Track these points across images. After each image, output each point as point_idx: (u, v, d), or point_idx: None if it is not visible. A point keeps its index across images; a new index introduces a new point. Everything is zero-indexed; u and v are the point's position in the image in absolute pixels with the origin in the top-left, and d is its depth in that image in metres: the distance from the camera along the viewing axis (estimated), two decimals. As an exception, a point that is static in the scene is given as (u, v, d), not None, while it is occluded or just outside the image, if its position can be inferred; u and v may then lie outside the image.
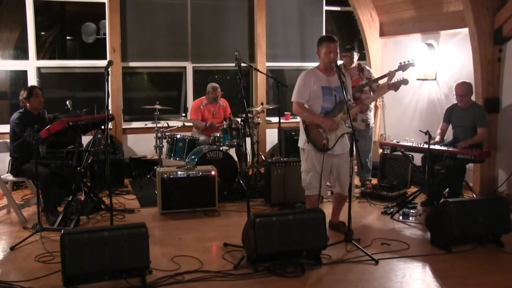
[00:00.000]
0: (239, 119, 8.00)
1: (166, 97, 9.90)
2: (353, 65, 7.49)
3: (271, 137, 9.72)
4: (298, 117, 6.10)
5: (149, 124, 8.83)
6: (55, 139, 6.19)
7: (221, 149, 7.43)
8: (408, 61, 6.73)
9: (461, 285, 4.65)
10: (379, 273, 4.82)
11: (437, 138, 6.93)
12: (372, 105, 7.72)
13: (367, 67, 7.76)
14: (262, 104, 8.58)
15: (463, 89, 6.79)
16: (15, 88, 8.51)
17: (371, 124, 7.68)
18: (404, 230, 6.08)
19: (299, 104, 5.56)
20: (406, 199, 6.85)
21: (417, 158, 7.32)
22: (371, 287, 4.55)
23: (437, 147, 6.60)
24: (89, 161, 7.01)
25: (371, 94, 7.30)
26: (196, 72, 9.57)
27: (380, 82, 7.31)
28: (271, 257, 4.83)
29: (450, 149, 6.52)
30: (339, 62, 6.54)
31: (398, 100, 9.03)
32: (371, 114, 7.65)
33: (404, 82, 6.09)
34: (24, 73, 8.59)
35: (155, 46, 9.24)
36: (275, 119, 8.70)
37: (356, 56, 7.50)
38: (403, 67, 6.78)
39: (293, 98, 5.60)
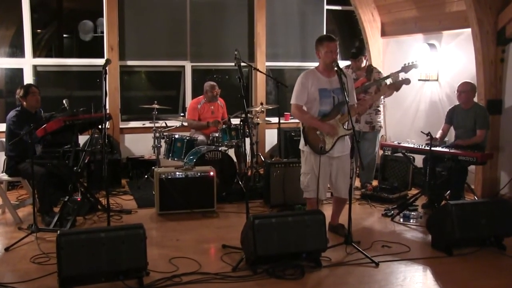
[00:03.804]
0: (238, 120, 7.95)
1: (164, 97, 9.86)
2: (362, 66, 7.40)
3: (271, 137, 9.68)
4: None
5: (147, 124, 8.78)
6: (51, 138, 6.14)
7: (220, 149, 7.38)
8: (412, 62, 6.67)
9: (462, 288, 4.62)
10: (380, 276, 4.79)
11: (437, 136, 6.88)
12: (381, 108, 7.59)
13: (378, 68, 7.65)
14: (261, 104, 8.54)
15: (463, 86, 6.78)
16: (11, 86, 8.46)
17: (377, 127, 7.54)
18: (404, 232, 6.05)
19: (297, 107, 5.52)
20: (407, 201, 6.80)
21: (418, 160, 7.26)
22: (371, 290, 4.52)
23: (438, 148, 6.55)
24: (86, 161, 6.98)
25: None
26: (195, 71, 9.52)
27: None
28: (270, 259, 4.80)
29: (452, 150, 6.47)
30: (344, 63, 6.47)
31: (399, 101, 8.99)
32: (377, 117, 7.51)
33: (406, 81, 6.03)
34: (20, 71, 8.52)
35: (154, 45, 9.18)
36: (274, 120, 8.65)
37: (364, 60, 7.42)
38: (405, 69, 6.71)
39: (292, 101, 5.56)
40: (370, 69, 7.48)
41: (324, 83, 5.48)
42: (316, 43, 5.52)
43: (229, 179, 7.37)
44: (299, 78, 5.55)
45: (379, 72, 7.50)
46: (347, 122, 5.38)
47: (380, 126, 7.66)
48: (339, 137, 5.44)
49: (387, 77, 7.00)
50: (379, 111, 7.56)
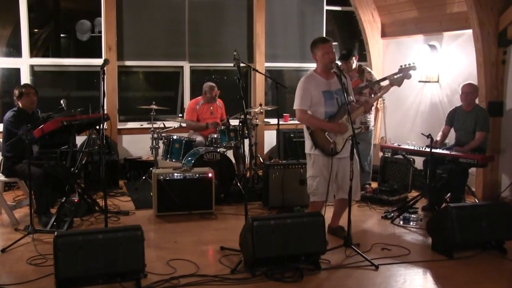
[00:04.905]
0: (237, 121, 7.91)
1: (162, 97, 9.82)
2: (353, 67, 7.38)
3: (270, 139, 9.62)
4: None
5: (145, 125, 8.71)
6: (48, 139, 6.10)
7: (218, 150, 7.32)
8: (409, 64, 6.60)
9: (463, 292, 4.60)
10: (379, 279, 4.76)
11: (438, 138, 6.85)
12: (372, 108, 7.61)
13: (368, 69, 7.65)
14: (260, 105, 8.49)
15: (468, 87, 6.76)
16: (8, 86, 8.42)
17: (371, 127, 7.58)
18: (404, 235, 6.01)
19: (302, 111, 5.46)
20: (407, 204, 6.77)
21: (418, 162, 7.23)
22: (371, 293, 4.50)
23: (439, 150, 6.52)
24: (83, 162, 6.93)
25: (372, 96, 7.20)
26: (193, 72, 9.47)
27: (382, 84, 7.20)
28: (269, 262, 4.77)
29: (452, 153, 6.44)
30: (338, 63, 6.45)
31: (399, 103, 8.97)
32: (370, 117, 7.55)
33: (407, 76, 5.99)
34: (17, 71, 8.47)
35: (152, 45, 9.14)
36: (273, 121, 8.62)
37: (354, 60, 7.39)
38: (403, 71, 6.64)
39: (296, 106, 5.49)
40: (361, 69, 7.47)
41: (325, 85, 5.45)
42: (311, 47, 5.50)
43: (228, 180, 7.32)
44: (300, 83, 5.51)
45: (370, 72, 7.51)
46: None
47: (373, 126, 7.70)
48: (349, 137, 5.38)
49: (384, 79, 6.96)
50: (372, 110, 7.59)
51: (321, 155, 5.43)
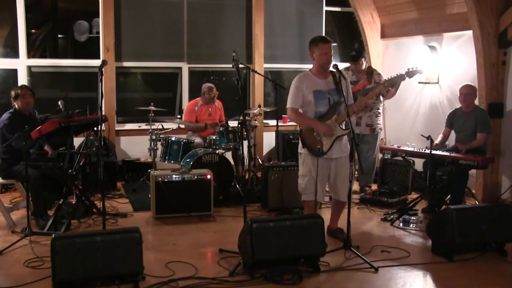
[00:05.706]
0: (236, 122, 7.89)
1: (160, 98, 9.78)
2: (363, 68, 7.35)
3: (269, 140, 9.61)
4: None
5: (143, 126, 8.73)
6: (46, 140, 6.07)
7: (217, 152, 7.32)
8: (415, 67, 6.54)
9: (463, 294, 4.59)
10: (379, 281, 4.75)
11: (438, 141, 6.83)
12: (380, 110, 7.54)
13: (378, 71, 7.60)
14: (259, 106, 8.47)
15: (466, 88, 6.74)
16: (5, 87, 8.38)
17: (377, 130, 7.53)
18: (404, 237, 5.99)
19: (293, 110, 5.48)
20: (406, 206, 6.75)
21: (418, 164, 7.21)
22: (371, 295, 4.48)
23: (439, 152, 6.48)
24: (81, 164, 6.90)
25: (380, 98, 7.18)
26: (192, 73, 9.45)
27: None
28: (268, 264, 4.76)
29: (452, 154, 6.41)
30: (343, 65, 6.42)
31: (399, 104, 8.94)
32: (377, 119, 7.49)
33: (401, 77, 5.96)
34: (14, 72, 8.45)
35: (150, 46, 9.13)
36: (273, 122, 8.62)
37: (364, 62, 7.37)
38: (409, 74, 6.59)
39: (288, 104, 5.53)
40: (370, 71, 7.46)
41: (319, 85, 5.44)
42: (310, 44, 5.47)
43: (227, 182, 7.30)
44: (293, 81, 5.52)
45: (379, 74, 7.46)
46: (343, 122, 5.35)
47: (380, 129, 7.64)
48: (336, 137, 5.39)
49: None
50: (379, 113, 7.54)
51: (309, 154, 5.44)
